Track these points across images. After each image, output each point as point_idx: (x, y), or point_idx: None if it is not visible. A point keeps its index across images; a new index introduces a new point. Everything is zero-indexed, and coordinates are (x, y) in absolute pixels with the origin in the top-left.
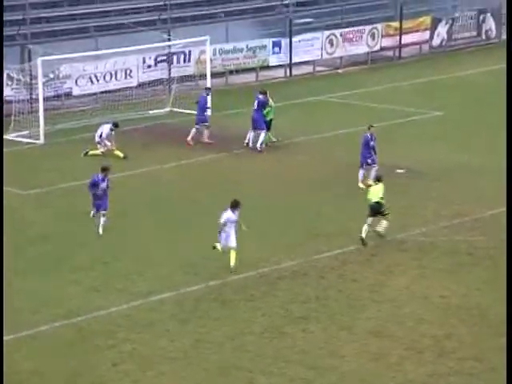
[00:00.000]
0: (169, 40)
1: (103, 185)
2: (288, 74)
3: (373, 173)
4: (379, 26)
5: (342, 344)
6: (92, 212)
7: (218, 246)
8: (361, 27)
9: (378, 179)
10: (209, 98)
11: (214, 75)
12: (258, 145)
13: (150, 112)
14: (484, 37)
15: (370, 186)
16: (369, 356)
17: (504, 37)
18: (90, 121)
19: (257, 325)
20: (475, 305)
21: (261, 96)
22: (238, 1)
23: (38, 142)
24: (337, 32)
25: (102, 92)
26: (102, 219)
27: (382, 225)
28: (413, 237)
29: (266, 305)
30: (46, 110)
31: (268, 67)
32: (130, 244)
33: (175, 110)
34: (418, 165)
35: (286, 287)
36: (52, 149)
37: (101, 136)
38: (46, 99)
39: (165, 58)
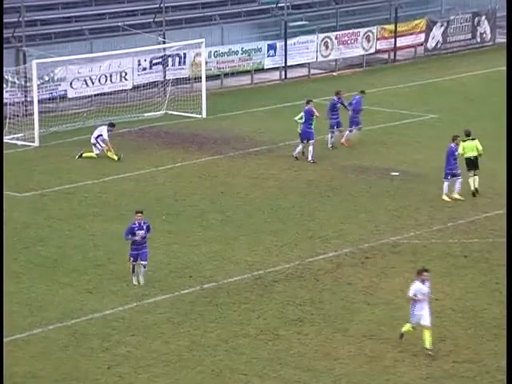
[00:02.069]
0: (164, 43)
1: (141, 232)
2: (283, 76)
3: (457, 185)
4: (374, 28)
5: (337, 346)
6: (130, 261)
7: (408, 325)
8: (356, 30)
9: (467, 134)
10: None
11: (209, 78)
12: (310, 157)
13: (145, 114)
14: (479, 39)
15: (456, 199)
16: (363, 358)
17: (499, 40)
18: (85, 123)
19: (251, 327)
20: (470, 307)
21: (307, 106)
22: (234, 4)
23: (32, 144)
24: (332, 35)
25: (97, 95)
26: (143, 270)
27: (476, 181)
28: (407, 239)
29: (261, 307)
30: (40, 112)
31: (263, 70)
32: (125, 247)
33: (170, 112)
34: (412, 167)
35: (281, 290)
36: (47, 151)
37: (97, 137)
38: (40, 102)
39: (160, 60)
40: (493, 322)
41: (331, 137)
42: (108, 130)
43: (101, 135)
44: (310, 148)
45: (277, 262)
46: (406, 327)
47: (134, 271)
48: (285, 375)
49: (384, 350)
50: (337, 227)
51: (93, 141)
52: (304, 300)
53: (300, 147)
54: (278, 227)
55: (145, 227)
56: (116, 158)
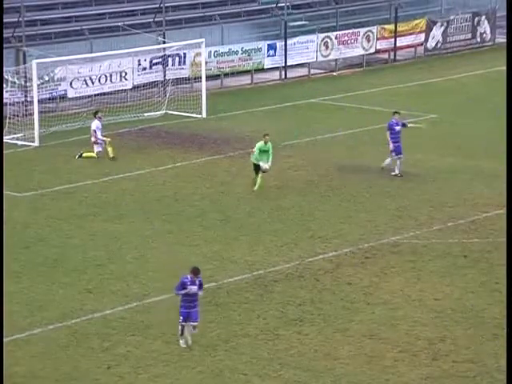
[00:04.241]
0: (164, 42)
1: (193, 288)
2: (283, 76)
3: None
4: (374, 28)
5: (337, 346)
6: (180, 319)
7: None
8: (356, 30)
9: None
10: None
11: (209, 78)
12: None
13: (145, 114)
14: (479, 39)
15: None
16: (363, 358)
17: (498, 39)
18: (85, 123)
19: (251, 327)
20: (470, 307)
21: (395, 119)
22: (233, 3)
23: (32, 144)
24: (332, 35)
25: (97, 94)
26: (192, 331)
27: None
28: (407, 239)
29: (261, 307)
30: (40, 112)
31: (263, 70)
32: (125, 246)
33: (170, 112)
34: (412, 167)
35: (281, 290)
36: (47, 151)
37: (95, 132)
38: (40, 101)
39: (160, 60)
40: (493, 321)
41: (392, 163)
42: (99, 118)
43: (94, 130)
44: (398, 162)
45: (277, 262)
46: None
47: (182, 333)
48: (285, 375)
49: (384, 349)
50: (337, 227)
51: (93, 139)
52: (304, 300)
53: (389, 160)
54: (278, 227)
55: (197, 283)
56: (111, 155)
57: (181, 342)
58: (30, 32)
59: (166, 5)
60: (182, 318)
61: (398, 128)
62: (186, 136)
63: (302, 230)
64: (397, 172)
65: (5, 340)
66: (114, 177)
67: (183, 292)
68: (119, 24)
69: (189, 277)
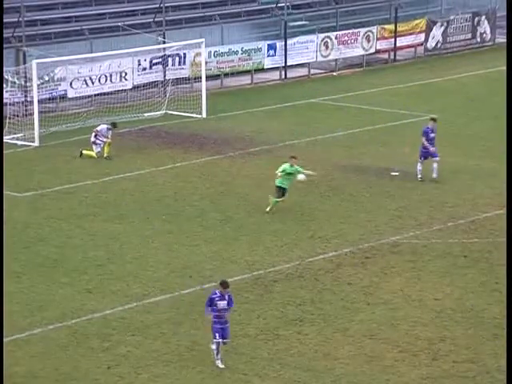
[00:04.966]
0: (164, 42)
1: (222, 303)
2: (283, 76)
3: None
4: (374, 28)
5: (337, 346)
6: (215, 337)
7: None
8: (356, 30)
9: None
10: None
11: (209, 78)
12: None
13: (145, 114)
14: (479, 39)
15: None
16: (363, 358)
17: (499, 39)
18: (85, 123)
19: (251, 327)
20: (470, 307)
21: (430, 126)
22: (233, 3)
23: (32, 144)
24: (332, 35)
25: (97, 94)
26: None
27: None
28: (407, 239)
29: (261, 307)
30: (40, 112)
31: (263, 70)
32: (125, 246)
33: (170, 112)
34: (412, 167)
35: (281, 290)
36: (46, 151)
37: (96, 135)
38: (40, 102)
39: (160, 60)
40: (493, 321)
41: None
42: (108, 129)
43: (99, 131)
44: (435, 165)
45: (277, 262)
46: None
47: (218, 352)
48: (285, 375)
49: (384, 349)
50: (337, 227)
51: (92, 139)
52: (304, 300)
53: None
54: (278, 227)
55: (227, 297)
56: (106, 154)
57: (218, 362)
58: (30, 32)
59: (166, 5)
60: (217, 335)
61: (432, 135)
62: (186, 136)
63: (302, 230)
64: (434, 176)
65: (5, 340)
66: (114, 177)
67: (214, 311)
68: (119, 24)
69: (217, 292)
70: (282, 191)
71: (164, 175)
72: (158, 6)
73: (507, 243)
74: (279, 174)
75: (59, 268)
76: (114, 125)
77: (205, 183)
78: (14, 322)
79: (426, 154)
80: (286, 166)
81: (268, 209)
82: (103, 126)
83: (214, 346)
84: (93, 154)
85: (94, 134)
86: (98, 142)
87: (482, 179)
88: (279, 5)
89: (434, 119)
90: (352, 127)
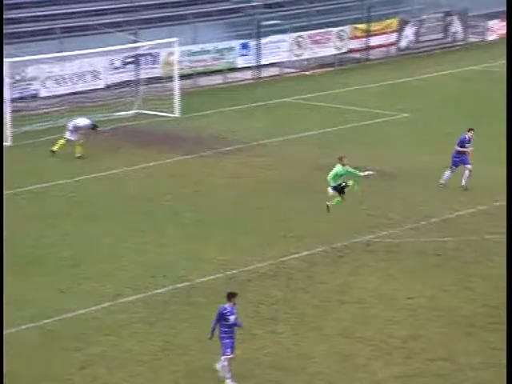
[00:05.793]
0: (136, 42)
1: (233, 318)
2: (256, 75)
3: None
4: (347, 28)
5: (311, 345)
6: (226, 352)
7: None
8: (328, 29)
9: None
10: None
11: (181, 77)
12: (465, 182)
13: (117, 114)
14: (450, 39)
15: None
16: (337, 357)
17: (470, 39)
18: (57, 122)
19: None
20: (443, 306)
21: (468, 136)
22: (206, 2)
23: (5, 144)
24: (304, 34)
25: (69, 94)
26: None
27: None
28: (380, 238)
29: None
30: (12, 111)
31: (236, 69)
32: (98, 246)
33: (143, 111)
34: (385, 166)
35: (255, 289)
36: (19, 151)
37: (75, 127)
38: (12, 101)
39: (132, 59)
40: (466, 319)
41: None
42: (90, 127)
43: (82, 127)
44: (467, 172)
45: (250, 262)
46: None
47: (230, 369)
48: (259, 374)
49: (358, 348)
50: (310, 226)
51: (70, 127)
52: (277, 299)
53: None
54: (252, 227)
55: (235, 311)
56: (78, 154)
57: (229, 381)
58: None
59: (138, 4)
60: (228, 350)
61: (467, 145)
62: (159, 135)
63: (276, 229)
64: (463, 183)
65: None
66: (86, 176)
67: (224, 326)
68: (90, 23)
69: (227, 307)
70: (340, 188)
71: (137, 175)
72: (129, 4)
73: (507, 243)
74: (330, 179)
75: (32, 268)
76: (95, 126)
77: (178, 182)
78: None
79: (458, 163)
80: (338, 169)
81: (330, 202)
82: (87, 122)
83: (225, 363)
84: (62, 141)
85: (72, 124)
86: (74, 131)
87: (455, 178)
88: (252, 4)
89: (472, 129)
90: (325, 126)
